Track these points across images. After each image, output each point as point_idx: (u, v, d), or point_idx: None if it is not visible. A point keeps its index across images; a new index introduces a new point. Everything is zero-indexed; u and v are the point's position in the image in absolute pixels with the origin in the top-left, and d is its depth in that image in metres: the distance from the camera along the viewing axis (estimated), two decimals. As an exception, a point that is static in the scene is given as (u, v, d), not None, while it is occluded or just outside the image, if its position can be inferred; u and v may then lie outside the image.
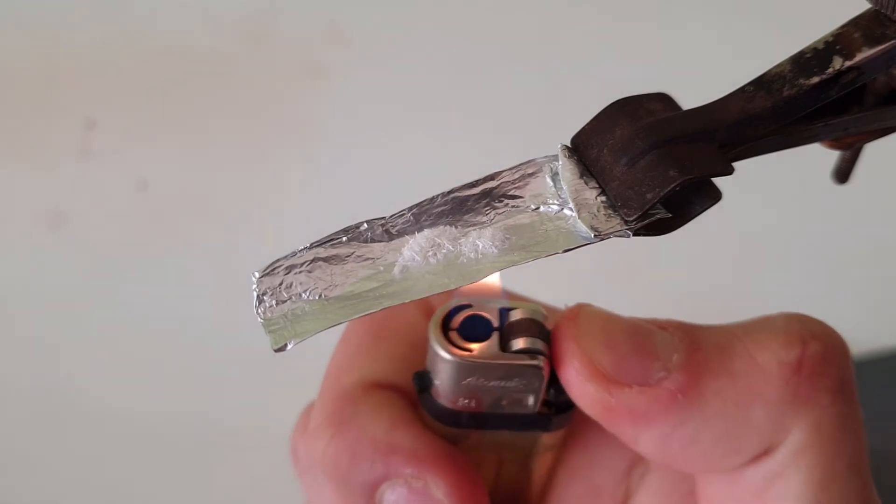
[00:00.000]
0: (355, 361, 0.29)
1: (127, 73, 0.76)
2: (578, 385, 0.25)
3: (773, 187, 0.67)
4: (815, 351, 0.25)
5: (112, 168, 0.72)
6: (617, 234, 0.24)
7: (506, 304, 0.27)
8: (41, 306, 0.66)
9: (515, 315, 0.27)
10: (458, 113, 0.72)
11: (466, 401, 0.27)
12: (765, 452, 0.25)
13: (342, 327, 0.24)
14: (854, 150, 0.31)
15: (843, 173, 0.32)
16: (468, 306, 0.27)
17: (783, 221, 0.69)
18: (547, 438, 0.29)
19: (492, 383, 0.27)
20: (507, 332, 0.27)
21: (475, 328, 0.27)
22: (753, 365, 0.25)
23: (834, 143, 0.28)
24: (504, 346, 0.27)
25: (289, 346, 0.24)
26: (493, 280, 0.27)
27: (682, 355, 0.25)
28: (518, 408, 0.27)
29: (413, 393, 0.28)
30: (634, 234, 0.25)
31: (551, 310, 0.28)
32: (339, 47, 0.76)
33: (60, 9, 0.77)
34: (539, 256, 0.25)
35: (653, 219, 0.24)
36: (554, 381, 0.27)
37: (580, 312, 0.26)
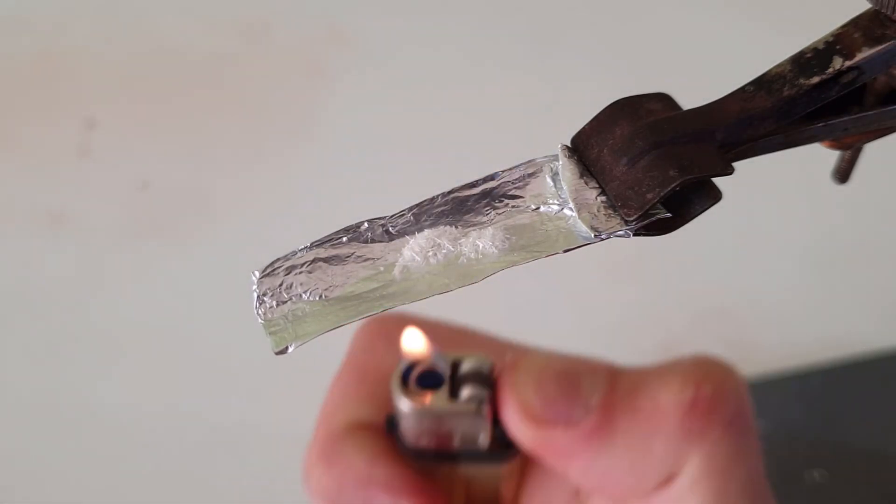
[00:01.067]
0: (342, 404, 0.34)
1: (127, 73, 0.76)
2: (515, 426, 0.30)
3: (773, 187, 0.67)
4: (706, 392, 0.29)
5: (112, 168, 0.72)
6: (617, 234, 0.24)
7: (456, 357, 0.31)
8: (41, 306, 0.66)
9: (464, 366, 0.31)
10: (458, 113, 0.72)
11: (426, 440, 0.31)
12: (667, 480, 0.29)
13: (342, 330, 0.24)
14: (854, 150, 0.31)
15: (843, 173, 0.32)
16: (425, 360, 0.31)
17: (783, 221, 0.69)
18: (504, 468, 0.33)
19: (444, 427, 0.31)
20: (456, 382, 0.31)
21: (430, 379, 0.31)
22: (655, 405, 0.29)
23: (834, 143, 0.28)
24: (454, 393, 0.31)
25: (290, 349, 0.24)
26: (420, 341, 0.31)
27: (599, 397, 0.29)
28: (472, 445, 0.31)
29: None
30: (634, 234, 0.25)
31: (502, 345, 0.33)
32: (340, 47, 0.76)
33: (60, 9, 0.77)
34: (539, 256, 0.25)
35: (653, 219, 0.24)
36: (498, 421, 0.31)
37: (518, 363, 0.30)
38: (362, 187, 0.68)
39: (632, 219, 0.24)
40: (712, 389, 0.29)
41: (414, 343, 0.31)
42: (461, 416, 0.31)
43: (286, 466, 0.59)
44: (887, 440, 0.54)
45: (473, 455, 0.32)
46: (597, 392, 0.29)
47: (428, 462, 0.32)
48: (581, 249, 0.25)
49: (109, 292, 0.67)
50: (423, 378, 0.31)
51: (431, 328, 0.33)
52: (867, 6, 0.26)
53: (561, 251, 0.25)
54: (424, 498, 0.31)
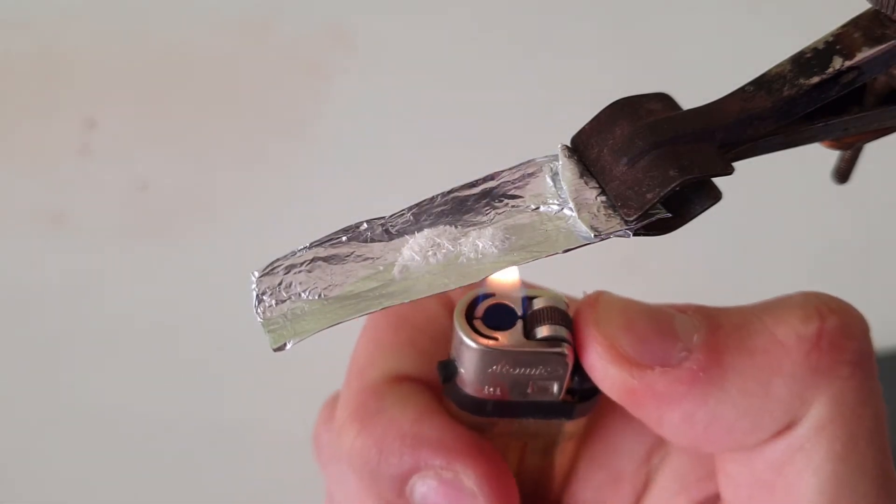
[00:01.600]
0: (377, 355, 0.29)
1: (127, 73, 0.76)
2: (601, 369, 0.26)
3: (773, 187, 0.67)
4: (833, 325, 0.25)
5: (112, 168, 0.72)
6: (617, 234, 0.24)
7: (528, 292, 0.27)
8: (41, 306, 0.66)
9: (538, 303, 0.27)
10: (458, 112, 0.72)
11: (492, 389, 0.27)
12: (787, 427, 0.25)
13: (345, 325, 0.24)
14: (854, 150, 0.31)
15: (843, 173, 0.32)
16: (491, 295, 0.27)
17: (783, 221, 0.69)
18: (570, 426, 0.29)
19: (517, 371, 0.27)
20: (530, 320, 0.27)
21: (499, 317, 0.27)
22: (773, 340, 0.25)
23: (834, 143, 0.28)
24: (528, 334, 0.27)
25: (288, 346, 0.24)
26: (512, 271, 0.28)
27: (703, 335, 0.25)
28: (543, 395, 0.28)
29: (436, 384, 0.28)
30: (634, 234, 0.25)
31: (571, 299, 0.29)
32: (340, 47, 0.76)
33: (60, 9, 0.77)
34: (539, 256, 0.25)
35: (653, 219, 0.24)
36: (578, 369, 0.27)
37: (599, 298, 0.26)
38: (362, 187, 0.68)
39: (632, 219, 0.24)
40: (840, 323, 0.25)
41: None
42: (539, 358, 0.27)
43: (286, 466, 0.59)
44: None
45: (541, 408, 0.28)
46: (696, 330, 0.25)
47: (486, 418, 0.28)
48: (581, 249, 0.25)
49: (109, 292, 0.67)
50: (490, 316, 0.27)
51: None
52: (867, 6, 0.26)
53: (561, 251, 0.25)
54: (482, 461, 0.27)
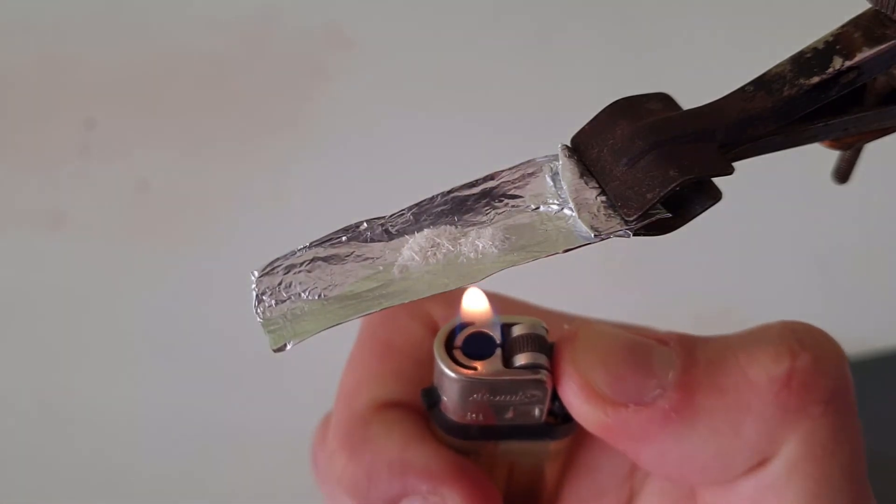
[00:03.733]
0: (364, 382, 0.30)
1: (127, 73, 0.76)
2: (577, 406, 0.26)
3: (773, 187, 0.67)
4: (804, 364, 0.25)
5: (112, 168, 0.72)
6: (617, 234, 0.24)
7: (507, 319, 0.28)
8: (41, 306, 0.66)
9: (517, 330, 0.27)
10: (458, 112, 0.72)
11: (474, 415, 0.28)
12: (759, 464, 0.25)
13: (345, 325, 0.24)
14: (854, 150, 0.31)
15: (843, 173, 0.32)
16: (471, 324, 0.28)
17: (783, 222, 0.69)
18: (555, 446, 0.30)
19: (498, 398, 0.27)
20: (509, 348, 0.27)
21: (479, 345, 0.27)
22: (744, 380, 0.25)
23: (834, 143, 0.28)
24: (507, 361, 0.27)
25: (288, 346, 0.24)
26: (483, 301, 0.28)
27: (677, 373, 0.25)
28: (525, 419, 0.28)
29: (422, 408, 0.29)
30: (634, 234, 0.25)
31: (558, 317, 0.29)
32: (340, 48, 0.76)
33: (60, 9, 0.77)
34: (539, 256, 0.25)
35: (653, 219, 0.24)
36: (556, 394, 0.27)
37: (579, 332, 0.27)
38: (362, 187, 0.68)
39: (632, 219, 0.24)
40: (811, 360, 0.25)
41: (467, 302, 0.28)
42: (518, 386, 0.27)
43: (286, 466, 0.59)
44: (887, 440, 0.54)
45: (524, 431, 0.29)
46: (672, 366, 0.25)
47: (470, 441, 0.29)
48: (581, 249, 0.25)
49: (109, 292, 0.67)
50: (469, 345, 0.27)
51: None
52: (867, 6, 0.26)
53: (561, 251, 0.25)
54: (467, 484, 0.27)
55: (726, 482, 0.26)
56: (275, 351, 0.24)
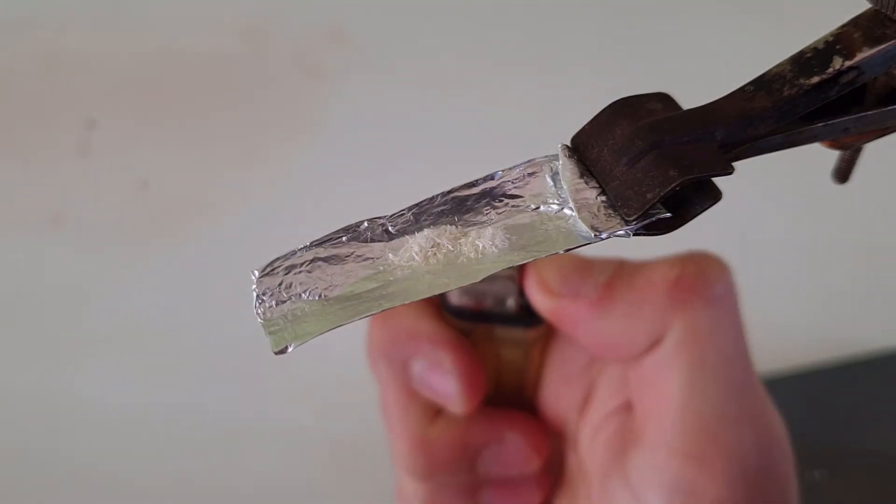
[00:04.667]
0: None
1: (127, 73, 0.76)
2: (534, 295, 0.34)
3: (773, 187, 0.67)
4: (690, 270, 0.33)
5: (112, 168, 0.72)
6: (617, 233, 0.24)
7: None
8: (41, 306, 0.66)
9: None
10: (458, 113, 0.72)
11: (466, 299, 0.36)
12: (655, 344, 0.33)
13: (342, 329, 0.24)
14: (854, 150, 0.31)
15: (843, 173, 0.32)
16: None
17: (783, 221, 0.69)
18: (531, 334, 0.37)
19: (482, 287, 0.35)
20: None
21: None
22: (647, 280, 0.33)
23: (834, 143, 0.28)
24: None
25: (289, 349, 0.24)
26: None
27: (607, 276, 0.34)
28: (503, 307, 0.36)
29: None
30: (634, 234, 0.25)
31: None
32: (339, 48, 0.76)
33: (61, 9, 0.77)
34: (539, 256, 0.25)
35: (653, 219, 0.24)
36: (523, 292, 0.35)
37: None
38: (362, 187, 0.68)
39: (632, 218, 0.24)
40: (696, 269, 0.33)
41: None
42: (496, 280, 0.34)
43: (286, 466, 0.59)
44: (887, 440, 0.54)
45: (504, 317, 0.36)
46: (604, 274, 0.34)
47: (465, 322, 0.36)
48: (581, 249, 0.25)
49: (109, 292, 0.67)
50: None
51: None
52: (867, 6, 0.26)
53: (561, 251, 0.25)
54: (459, 351, 0.35)
55: (632, 358, 0.34)
56: (276, 353, 0.24)
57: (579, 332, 0.35)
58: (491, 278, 0.29)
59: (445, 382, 0.36)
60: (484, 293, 0.36)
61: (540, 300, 0.34)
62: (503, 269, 0.28)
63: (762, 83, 0.26)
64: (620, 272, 0.34)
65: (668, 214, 0.24)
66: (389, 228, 0.26)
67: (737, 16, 0.76)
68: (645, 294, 0.33)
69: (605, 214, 0.25)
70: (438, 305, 0.37)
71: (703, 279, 0.33)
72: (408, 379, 0.37)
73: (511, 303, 0.36)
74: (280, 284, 0.25)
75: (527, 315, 0.36)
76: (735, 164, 0.25)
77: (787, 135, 0.26)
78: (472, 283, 0.28)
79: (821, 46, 0.26)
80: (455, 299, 0.36)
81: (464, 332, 0.37)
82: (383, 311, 0.24)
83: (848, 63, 0.25)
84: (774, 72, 0.26)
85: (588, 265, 0.34)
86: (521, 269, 0.35)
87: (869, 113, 0.27)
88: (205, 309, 0.65)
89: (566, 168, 0.26)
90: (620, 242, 0.25)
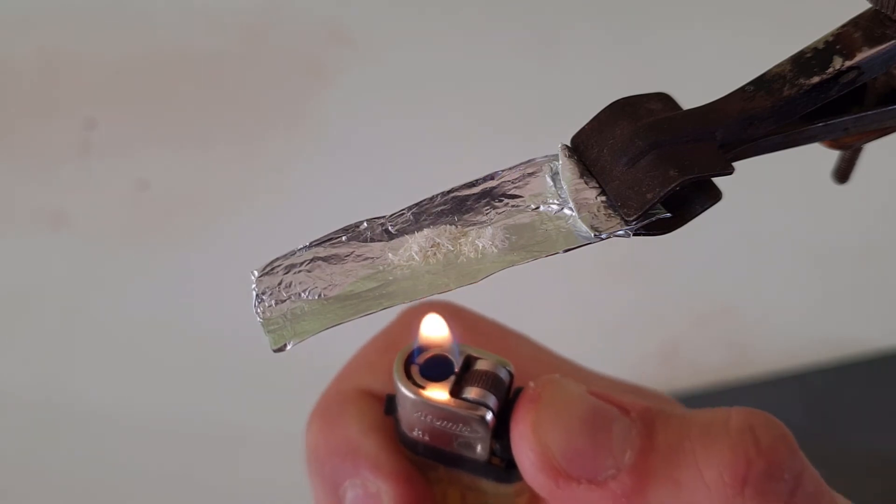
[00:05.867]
0: (360, 369, 0.31)
1: (127, 73, 0.76)
2: (530, 471, 0.26)
3: (773, 187, 0.67)
4: (760, 470, 0.25)
5: (112, 168, 0.72)
6: (617, 233, 0.24)
7: (473, 352, 0.28)
8: (41, 306, 0.66)
9: (479, 365, 0.28)
10: (458, 112, 0.72)
11: (420, 433, 0.28)
12: None
13: (345, 326, 0.24)
14: (854, 150, 0.31)
15: (843, 173, 0.32)
16: (436, 347, 0.28)
17: (783, 222, 0.69)
18: (506, 489, 0.29)
19: (440, 423, 0.28)
20: (464, 379, 0.27)
21: (437, 369, 0.28)
22: (698, 479, 0.25)
23: (834, 143, 0.28)
24: (458, 391, 0.27)
25: (288, 347, 0.24)
26: (444, 330, 0.29)
27: (634, 454, 0.25)
28: (468, 452, 0.28)
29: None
30: (634, 234, 0.24)
31: (544, 357, 0.30)
32: (340, 47, 0.76)
33: (60, 9, 0.77)
34: (539, 256, 0.25)
35: (653, 219, 0.24)
36: (501, 438, 0.27)
37: (542, 394, 0.26)
38: (362, 187, 0.68)
39: (632, 218, 0.24)
40: (765, 465, 0.25)
41: (432, 327, 0.28)
42: (457, 417, 0.27)
43: (286, 466, 0.59)
44: (887, 440, 0.54)
45: (472, 465, 0.29)
46: (630, 446, 0.25)
47: (420, 458, 0.29)
48: (581, 249, 0.25)
49: (109, 292, 0.67)
50: (430, 366, 0.28)
51: (477, 323, 0.31)
52: (867, 6, 0.26)
53: (561, 251, 0.25)
54: (404, 486, 0.28)
55: None
56: (275, 351, 0.24)
57: None
58: (453, 415, 0.27)
59: None
60: (445, 433, 0.28)
61: (538, 480, 0.26)
62: (471, 409, 0.27)
63: (762, 83, 0.26)
64: (652, 444, 0.25)
65: (668, 214, 0.24)
66: (389, 228, 0.26)
67: (737, 16, 0.76)
68: (695, 499, 0.25)
69: (605, 214, 0.25)
70: (393, 426, 0.29)
71: (777, 478, 0.25)
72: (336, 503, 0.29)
73: (479, 450, 0.28)
74: (280, 284, 0.25)
75: (503, 469, 0.28)
76: (735, 164, 0.25)
77: (787, 135, 0.26)
78: (430, 417, 0.27)
79: (821, 46, 0.26)
80: (407, 427, 0.28)
81: (421, 467, 0.29)
82: (383, 308, 0.24)
83: (848, 63, 0.25)
84: (774, 72, 0.26)
85: (606, 424, 0.25)
86: (502, 408, 0.27)
87: (869, 113, 0.27)
88: (205, 308, 0.65)
89: (566, 168, 0.25)
90: (620, 242, 0.25)
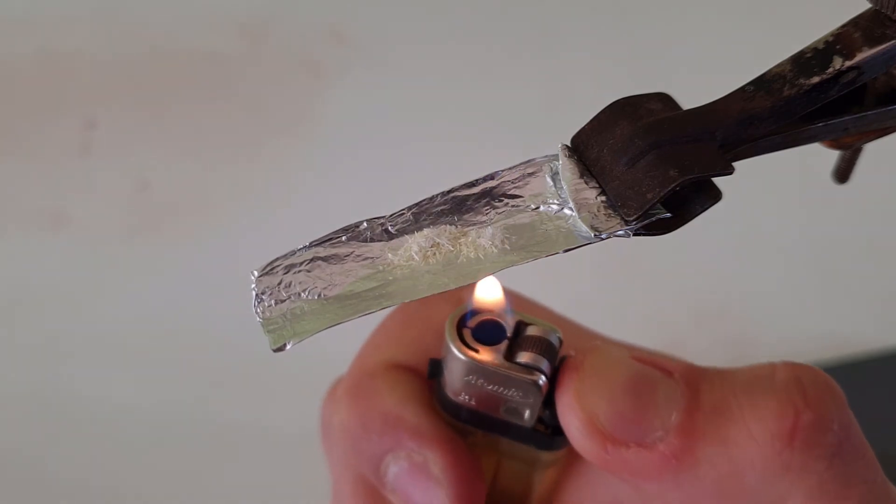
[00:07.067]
0: (383, 344, 0.30)
1: (127, 73, 0.76)
2: (578, 438, 0.26)
3: (773, 187, 0.67)
4: (808, 421, 0.25)
5: (112, 168, 0.72)
6: (617, 234, 0.24)
7: (525, 318, 0.28)
8: (41, 306, 0.66)
9: (530, 330, 0.28)
10: (457, 112, 0.72)
11: (466, 397, 0.28)
12: None
13: (346, 325, 0.24)
14: (854, 150, 0.31)
15: (843, 173, 0.32)
16: (489, 311, 0.28)
17: (783, 221, 0.69)
18: (547, 456, 0.29)
19: (490, 388, 0.27)
20: (517, 343, 0.28)
21: (488, 332, 0.28)
22: (747, 435, 0.25)
23: (834, 143, 0.28)
24: (510, 356, 0.27)
25: (288, 346, 0.24)
26: (499, 293, 0.28)
27: (681, 415, 0.25)
28: (514, 418, 0.28)
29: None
30: (634, 234, 0.24)
31: (576, 330, 0.29)
32: (339, 47, 0.76)
33: (60, 9, 0.77)
34: (539, 256, 0.25)
35: (653, 219, 0.24)
36: (551, 404, 0.27)
37: (585, 362, 0.27)
38: (362, 187, 0.68)
39: (632, 218, 0.24)
40: (815, 419, 0.25)
41: (486, 290, 0.28)
42: (511, 381, 0.27)
43: (286, 466, 0.59)
44: (887, 440, 0.54)
45: (514, 431, 0.29)
46: (676, 407, 0.25)
47: (461, 423, 0.29)
48: (581, 249, 0.25)
49: (109, 292, 0.67)
50: (482, 329, 0.28)
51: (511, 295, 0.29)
52: (867, 6, 0.26)
53: (561, 251, 0.25)
54: (452, 452, 0.28)
55: None
56: (274, 351, 0.24)
57: (644, 489, 0.26)
58: (507, 379, 0.27)
59: (431, 495, 0.27)
60: (494, 397, 0.28)
61: (586, 445, 0.26)
62: (525, 373, 0.27)
63: (762, 83, 0.26)
64: (697, 404, 0.25)
65: (668, 214, 0.24)
66: (389, 228, 0.26)
67: (737, 16, 0.76)
68: (745, 455, 0.25)
69: (605, 214, 0.25)
70: (433, 392, 0.29)
71: (825, 430, 0.25)
72: (377, 483, 0.28)
73: (527, 416, 0.28)
74: (279, 284, 0.25)
75: (548, 435, 0.28)
76: (735, 164, 0.25)
77: (787, 135, 0.26)
78: (482, 381, 0.27)
79: (821, 46, 0.26)
80: (454, 392, 0.28)
81: (459, 432, 0.29)
82: (383, 308, 0.24)
83: (848, 63, 0.25)
84: (774, 72, 0.26)
85: (651, 389, 0.26)
86: (552, 374, 0.27)
87: (869, 113, 0.27)
88: (205, 308, 0.65)
89: (566, 168, 0.26)
90: (620, 242, 0.25)
